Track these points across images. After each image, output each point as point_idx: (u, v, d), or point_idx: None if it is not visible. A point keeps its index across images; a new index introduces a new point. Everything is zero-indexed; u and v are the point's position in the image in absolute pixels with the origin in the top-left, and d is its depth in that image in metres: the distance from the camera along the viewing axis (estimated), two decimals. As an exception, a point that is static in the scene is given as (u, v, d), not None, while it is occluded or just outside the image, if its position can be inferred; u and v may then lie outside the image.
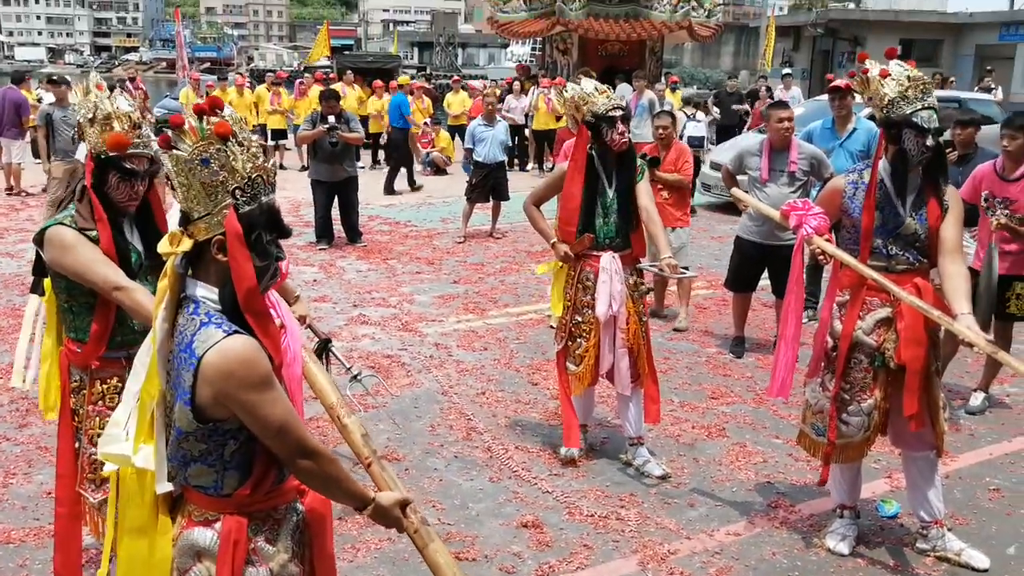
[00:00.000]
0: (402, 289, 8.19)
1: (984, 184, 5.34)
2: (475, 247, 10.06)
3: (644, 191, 4.70)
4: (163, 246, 1.99)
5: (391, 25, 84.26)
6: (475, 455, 4.86)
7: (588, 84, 4.73)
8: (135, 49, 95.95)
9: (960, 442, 5.11)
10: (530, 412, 5.46)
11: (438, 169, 15.88)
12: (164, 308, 2.01)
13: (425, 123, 16.37)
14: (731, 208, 8.32)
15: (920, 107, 3.62)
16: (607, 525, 4.17)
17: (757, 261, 6.62)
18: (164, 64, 60.88)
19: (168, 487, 2.07)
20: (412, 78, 21.55)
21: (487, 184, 10.45)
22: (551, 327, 6.98)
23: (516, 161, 15.96)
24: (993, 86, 19.03)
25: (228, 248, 1.94)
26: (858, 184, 3.81)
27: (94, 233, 2.98)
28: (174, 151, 1.97)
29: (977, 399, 5.64)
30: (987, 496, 4.54)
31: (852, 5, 48.34)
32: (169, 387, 2.03)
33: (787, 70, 20.35)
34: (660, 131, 7.39)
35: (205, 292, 2.00)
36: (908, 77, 3.67)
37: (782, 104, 6.67)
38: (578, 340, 4.68)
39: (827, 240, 3.82)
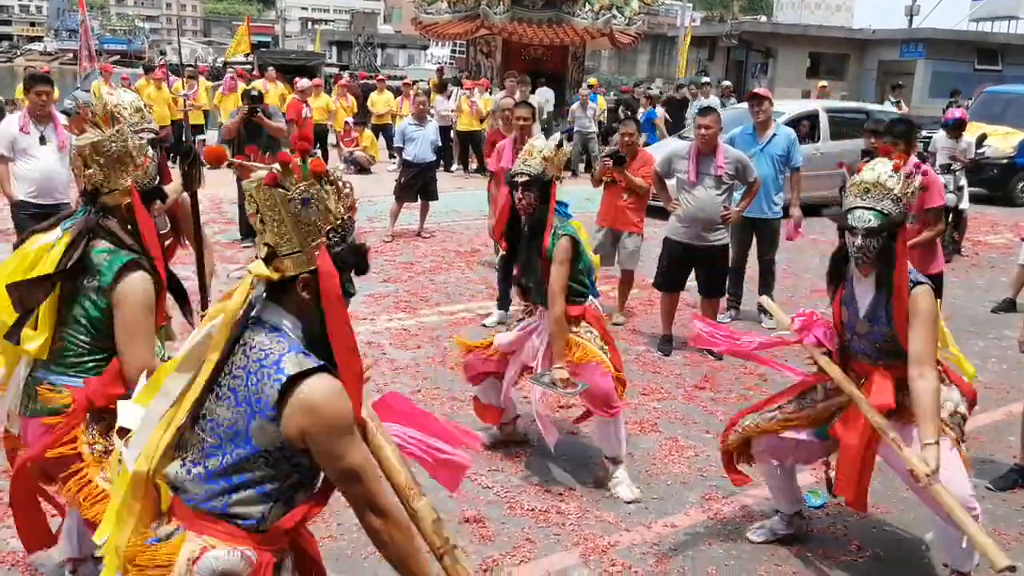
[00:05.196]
0: (331, 288, 8.11)
1: None
2: (403, 246, 10.03)
3: (555, 275, 4.36)
4: (258, 268, 1.97)
5: (309, 23, 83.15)
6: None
7: (538, 142, 4.61)
8: (39, 39, 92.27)
9: (878, 436, 5.33)
10: (466, 409, 5.47)
11: (361, 168, 15.78)
12: (228, 327, 1.96)
13: (347, 122, 16.27)
14: (657, 211, 8.49)
15: (854, 206, 3.47)
16: (548, 519, 4.24)
17: (685, 262, 6.79)
18: (71, 55, 58.64)
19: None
20: (330, 78, 21.30)
21: (416, 184, 10.42)
22: (483, 326, 7.05)
23: (441, 162, 16.02)
24: (893, 99, 19.76)
25: (321, 288, 1.92)
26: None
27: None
28: (279, 189, 1.93)
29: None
30: (904, 486, 4.74)
31: (764, 18, 49.65)
32: (219, 402, 1.97)
33: (705, 79, 20.84)
34: (626, 138, 7.36)
35: (287, 322, 1.97)
36: (861, 179, 3.48)
37: (708, 110, 6.85)
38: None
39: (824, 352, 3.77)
